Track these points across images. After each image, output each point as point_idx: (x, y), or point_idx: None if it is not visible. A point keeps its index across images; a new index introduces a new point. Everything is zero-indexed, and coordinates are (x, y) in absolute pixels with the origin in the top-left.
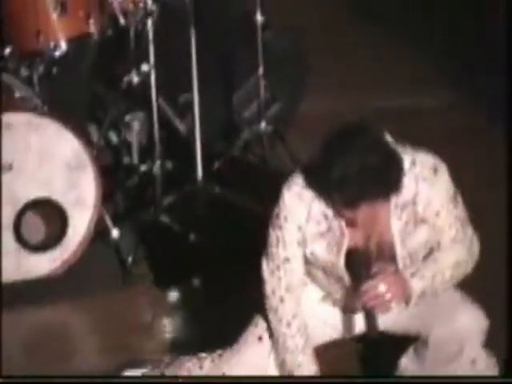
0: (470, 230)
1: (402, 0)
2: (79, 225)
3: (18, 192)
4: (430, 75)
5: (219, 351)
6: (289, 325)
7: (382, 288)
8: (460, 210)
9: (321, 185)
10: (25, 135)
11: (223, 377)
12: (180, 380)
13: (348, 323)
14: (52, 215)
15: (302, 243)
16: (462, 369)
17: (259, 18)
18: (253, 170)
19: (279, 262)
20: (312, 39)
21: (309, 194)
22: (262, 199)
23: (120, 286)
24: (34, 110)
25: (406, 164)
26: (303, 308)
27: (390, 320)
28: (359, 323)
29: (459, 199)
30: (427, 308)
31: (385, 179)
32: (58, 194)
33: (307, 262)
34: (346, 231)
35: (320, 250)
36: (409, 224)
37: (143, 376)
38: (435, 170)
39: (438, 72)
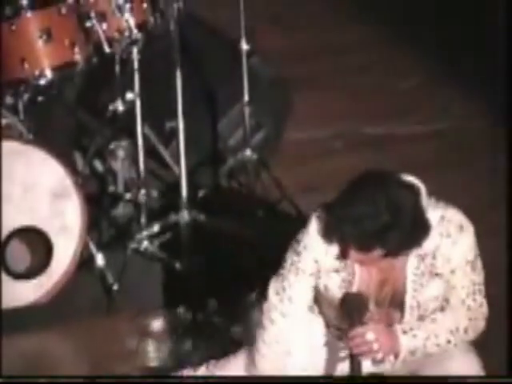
0: (480, 299)
1: (389, 26)
2: (64, 253)
3: (2, 220)
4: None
5: (214, 361)
6: (266, 344)
7: (369, 336)
8: (477, 276)
9: (332, 220)
10: (9, 163)
11: (223, 377)
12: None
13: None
14: (37, 243)
15: (316, 274)
16: None
17: (244, 45)
18: (238, 197)
19: (286, 286)
20: (296, 67)
21: (328, 231)
22: (247, 227)
23: (105, 313)
24: (18, 137)
25: (435, 219)
26: (312, 339)
27: (385, 366)
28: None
29: (479, 265)
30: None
31: (403, 234)
32: (42, 221)
33: (319, 293)
34: (357, 271)
35: (333, 285)
36: (424, 276)
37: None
38: (461, 228)
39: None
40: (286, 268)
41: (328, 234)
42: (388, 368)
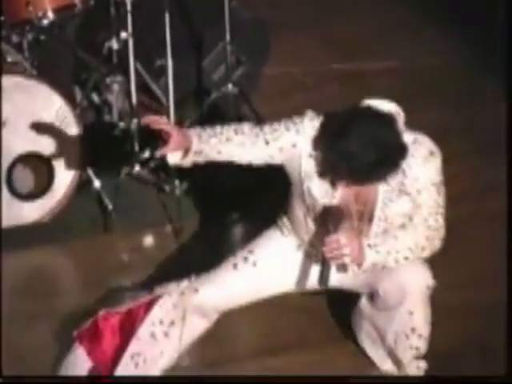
0: (441, 221)
1: None
2: (65, 176)
3: (9, 147)
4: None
5: (195, 275)
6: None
7: (342, 241)
8: (440, 199)
9: (330, 148)
10: (15, 96)
11: (224, 377)
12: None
13: (313, 278)
14: (40, 168)
15: (298, 171)
16: (400, 317)
17: None
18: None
19: (266, 131)
20: (273, 11)
21: (321, 138)
22: None
23: (101, 230)
24: (23, 73)
25: (409, 141)
26: (281, 258)
27: (346, 278)
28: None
29: (443, 190)
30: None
31: (392, 167)
32: (45, 148)
33: (301, 196)
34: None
35: (315, 189)
36: (394, 191)
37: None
38: (431, 153)
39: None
40: (272, 124)
41: (322, 169)
42: (350, 281)
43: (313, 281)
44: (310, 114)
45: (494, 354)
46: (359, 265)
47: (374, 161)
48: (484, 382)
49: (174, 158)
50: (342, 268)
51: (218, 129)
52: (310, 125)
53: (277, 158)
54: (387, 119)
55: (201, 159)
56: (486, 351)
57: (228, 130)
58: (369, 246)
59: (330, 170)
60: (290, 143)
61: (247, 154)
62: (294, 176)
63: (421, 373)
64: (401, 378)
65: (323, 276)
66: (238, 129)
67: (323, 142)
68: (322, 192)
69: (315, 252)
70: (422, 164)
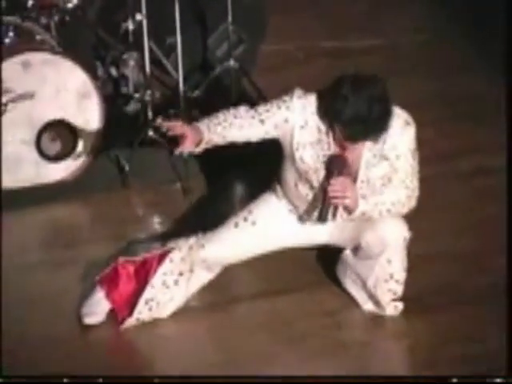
0: (416, 182)
1: None
2: (87, 141)
3: (38, 115)
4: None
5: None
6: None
7: (347, 183)
8: (415, 163)
9: (330, 115)
10: (43, 70)
11: (224, 377)
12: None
13: (307, 234)
14: (65, 133)
15: (290, 143)
16: (380, 265)
17: None
18: (223, 97)
19: (260, 111)
20: None
21: (311, 109)
22: None
23: (119, 188)
24: (50, 49)
25: None
26: (274, 214)
27: (334, 233)
28: (313, 237)
29: (417, 155)
30: (363, 222)
31: (383, 124)
32: (70, 116)
33: (293, 164)
34: (333, 148)
35: (307, 156)
36: (375, 157)
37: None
38: (407, 123)
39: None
40: (265, 105)
41: (314, 121)
42: (338, 237)
43: (305, 238)
44: (297, 91)
45: (494, 353)
46: (351, 211)
47: (377, 116)
48: (484, 381)
49: (179, 150)
50: (334, 214)
51: (221, 116)
52: (298, 101)
53: (272, 134)
54: (380, 82)
55: (209, 145)
56: (486, 351)
57: (228, 116)
58: (361, 195)
59: (331, 130)
60: (283, 119)
61: (246, 134)
62: (287, 147)
63: (397, 312)
64: (401, 377)
65: (322, 214)
66: (237, 113)
67: (322, 110)
68: (314, 158)
69: (305, 212)
70: (400, 133)
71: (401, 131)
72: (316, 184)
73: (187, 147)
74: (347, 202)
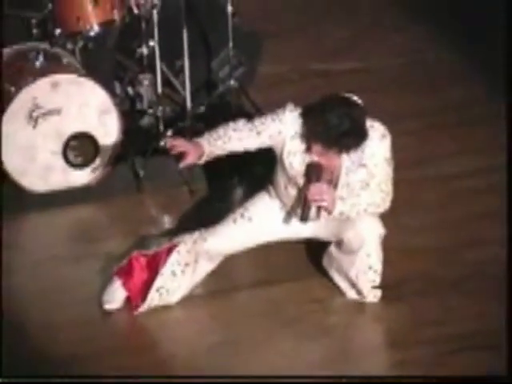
0: (390, 186)
1: None
2: (107, 150)
3: (65, 128)
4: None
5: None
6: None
7: (324, 188)
8: (390, 170)
9: (308, 122)
10: (69, 89)
11: (224, 376)
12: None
13: (296, 229)
14: (88, 143)
15: (277, 146)
16: (360, 259)
17: (229, 9)
18: (225, 112)
19: (256, 124)
20: (265, 23)
21: (300, 122)
22: None
23: (134, 191)
24: (75, 71)
25: (367, 126)
26: (268, 211)
27: (319, 229)
28: (301, 232)
29: (392, 163)
30: (344, 221)
31: (351, 141)
32: (92, 129)
33: (284, 169)
34: (314, 156)
35: (296, 163)
36: (354, 164)
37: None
38: (383, 136)
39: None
40: (261, 118)
41: (302, 132)
42: (322, 232)
43: (294, 232)
44: (290, 106)
45: (494, 353)
46: (330, 211)
47: (345, 129)
48: (484, 381)
49: (183, 163)
50: (317, 214)
51: (221, 131)
52: (290, 115)
53: (267, 143)
54: (356, 105)
55: (211, 157)
56: (486, 351)
57: (228, 130)
58: (340, 197)
59: (311, 141)
60: (276, 131)
61: (245, 145)
62: (279, 154)
63: (377, 299)
64: (401, 378)
65: (303, 215)
66: (236, 127)
67: (307, 123)
68: (301, 164)
69: (291, 210)
70: (377, 144)
71: (378, 142)
72: (301, 183)
73: (189, 161)
74: (325, 204)
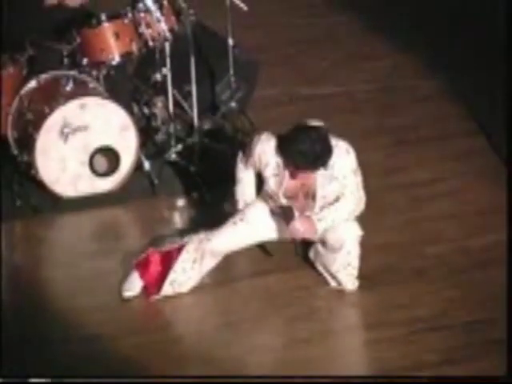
0: (361, 192)
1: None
2: (127, 161)
3: (91, 142)
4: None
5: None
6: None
7: (297, 226)
8: (358, 179)
9: (286, 152)
10: (95, 110)
11: (224, 376)
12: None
13: (286, 230)
14: (111, 155)
15: (258, 167)
16: (341, 256)
17: (230, 41)
18: (227, 130)
19: (250, 155)
20: (261, 54)
21: (271, 151)
22: (232, 146)
23: (150, 197)
24: (100, 94)
25: (333, 144)
26: (262, 215)
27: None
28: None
29: (359, 173)
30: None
31: (324, 160)
32: (114, 143)
33: (265, 190)
34: (286, 178)
35: (272, 184)
36: (326, 178)
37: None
38: (348, 151)
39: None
40: (249, 151)
41: (276, 159)
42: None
43: (284, 233)
44: (266, 134)
45: (494, 353)
46: (312, 238)
47: (318, 152)
48: (484, 381)
49: None
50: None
51: (239, 189)
52: (264, 145)
53: (255, 171)
54: (321, 129)
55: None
56: (486, 351)
57: (239, 186)
58: (318, 220)
59: (290, 167)
60: (256, 160)
61: (251, 180)
62: (262, 177)
63: (354, 287)
64: (401, 377)
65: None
66: (238, 172)
67: (284, 153)
68: (276, 185)
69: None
70: (344, 159)
71: (345, 157)
72: (278, 201)
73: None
74: (306, 236)
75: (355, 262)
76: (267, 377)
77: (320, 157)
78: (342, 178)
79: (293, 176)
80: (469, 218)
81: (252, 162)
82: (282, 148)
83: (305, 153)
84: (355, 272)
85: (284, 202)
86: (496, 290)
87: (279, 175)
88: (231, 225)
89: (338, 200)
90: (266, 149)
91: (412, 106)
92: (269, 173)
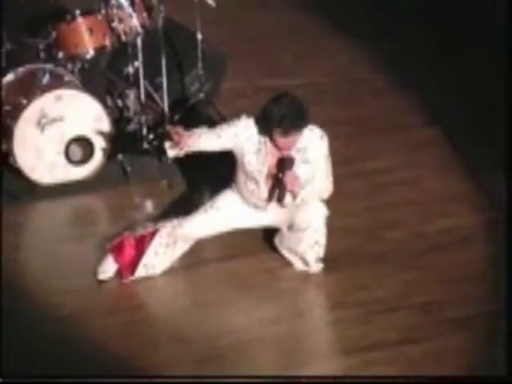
0: (331, 177)
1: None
2: (100, 150)
3: (66, 132)
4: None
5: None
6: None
7: (296, 177)
8: (329, 165)
9: (266, 123)
10: (70, 101)
11: (224, 376)
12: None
13: (255, 218)
14: (85, 145)
15: (236, 148)
16: (307, 235)
17: (199, 36)
18: (196, 120)
19: (217, 129)
20: (227, 48)
21: (253, 127)
22: None
23: (123, 184)
24: (75, 87)
25: (308, 129)
26: (232, 203)
27: (276, 217)
28: (262, 220)
29: (330, 160)
30: (294, 208)
31: (303, 119)
32: (89, 133)
33: (243, 167)
34: (269, 153)
35: (253, 160)
36: (299, 160)
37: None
38: (322, 137)
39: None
40: (222, 124)
41: (257, 134)
42: (278, 220)
43: (254, 221)
44: (244, 116)
45: (494, 353)
46: (296, 196)
47: (300, 110)
48: (484, 382)
49: (172, 153)
50: (282, 200)
51: (197, 131)
52: (244, 120)
53: (227, 146)
54: (290, 94)
55: (188, 151)
56: (486, 351)
57: (201, 131)
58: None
59: (266, 143)
60: (233, 134)
61: (210, 145)
62: (238, 155)
63: (319, 269)
64: (402, 378)
65: (280, 197)
66: (206, 130)
67: (266, 120)
68: (257, 161)
69: (268, 196)
70: (317, 144)
71: (318, 142)
72: (260, 180)
73: (184, 150)
74: (296, 189)
75: (322, 239)
76: (267, 377)
77: (303, 114)
78: (314, 161)
79: (277, 147)
80: (425, 205)
81: (223, 137)
82: (266, 119)
83: (290, 114)
84: (321, 251)
85: (263, 181)
86: (452, 271)
87: (261, 151)
88: (203, 212)
89: (311, 181)
90: (245, 124)
91: (370, 97)
92: (250, 148)
